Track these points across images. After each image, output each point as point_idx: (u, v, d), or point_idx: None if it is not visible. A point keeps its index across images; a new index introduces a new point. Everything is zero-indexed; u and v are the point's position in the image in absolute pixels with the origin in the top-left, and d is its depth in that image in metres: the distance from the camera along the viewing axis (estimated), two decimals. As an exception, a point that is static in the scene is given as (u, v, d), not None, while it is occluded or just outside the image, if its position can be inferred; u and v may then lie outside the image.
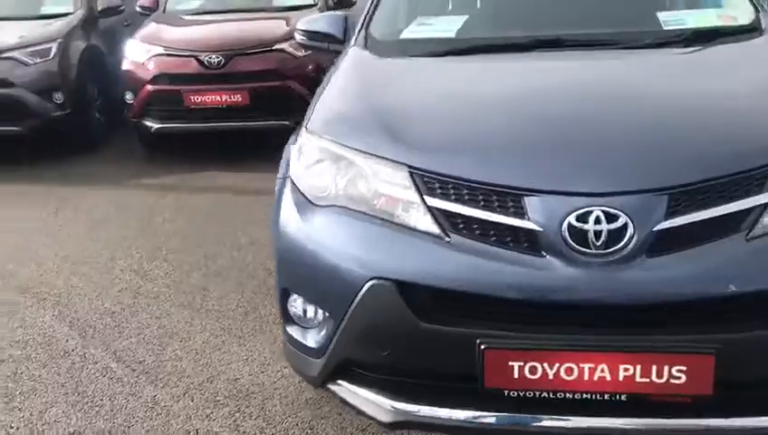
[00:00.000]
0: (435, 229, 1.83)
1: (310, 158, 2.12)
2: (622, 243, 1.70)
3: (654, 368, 1.70)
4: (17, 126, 5.66)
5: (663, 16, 2.74)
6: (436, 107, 2.24)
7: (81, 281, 3.67)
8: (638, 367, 1.71)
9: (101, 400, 2.65)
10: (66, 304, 3.42)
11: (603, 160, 1.84)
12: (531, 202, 1.76)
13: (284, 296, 2.12)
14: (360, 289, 1.82)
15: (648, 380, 1.71)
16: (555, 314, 1.75)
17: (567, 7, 2.92)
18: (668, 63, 2.45)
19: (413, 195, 1.85)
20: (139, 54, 5.77)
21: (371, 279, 1.81)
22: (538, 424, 1.83)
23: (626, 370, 1.72)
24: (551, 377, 1.76)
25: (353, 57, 2.71)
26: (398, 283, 1.79)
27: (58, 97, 5.80)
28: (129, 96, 5.80)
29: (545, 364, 1.76)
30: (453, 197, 1.83)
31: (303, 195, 2.06)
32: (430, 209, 1.84)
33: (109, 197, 4.99)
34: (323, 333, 2.00)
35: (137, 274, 3.70)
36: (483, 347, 1.77)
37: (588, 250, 1.71)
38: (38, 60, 5.75)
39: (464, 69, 2.56)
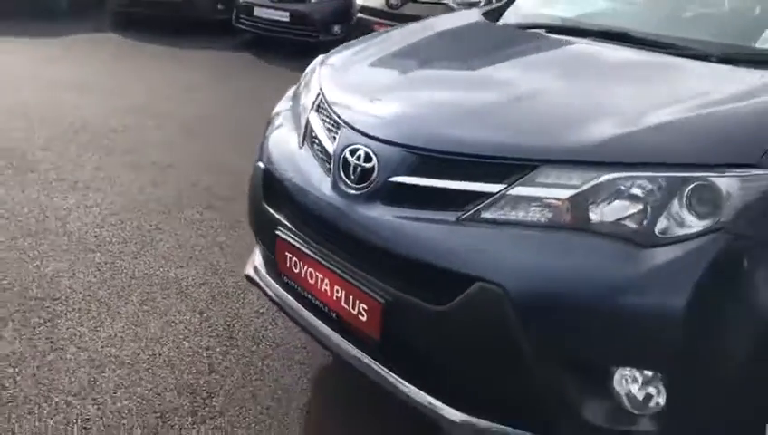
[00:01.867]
0: (299, 141, 2.23)
1: None
2: (366, 182, 1.89)
3: (351, 298, 1.90)
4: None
5: None
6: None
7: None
8: (344, 292, 1.93)
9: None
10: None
11: (410, 117, 1.98)
12: (341, 132, 2.03)
13: None
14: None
15: (347, 306, 1.92)
16: (315, 223, 2.03)
17: (681, 12, 2.69)
18: (646, 70, 2.21)
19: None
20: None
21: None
22: (292, 306, 2.14)
23: (337, 291, 1.95)
24: (303, 276, 2.06)
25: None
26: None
27: None
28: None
29: (301, 264, 2.06)
30: (321, 118, 2.18)
31: None
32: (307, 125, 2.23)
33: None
34: None
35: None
36: (276, 234, 2.15)
37: (347, 181, 1.94)
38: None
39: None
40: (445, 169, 1.80)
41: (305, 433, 2.27)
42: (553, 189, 1.67)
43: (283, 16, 8.58)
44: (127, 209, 3.75)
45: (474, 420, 1.74)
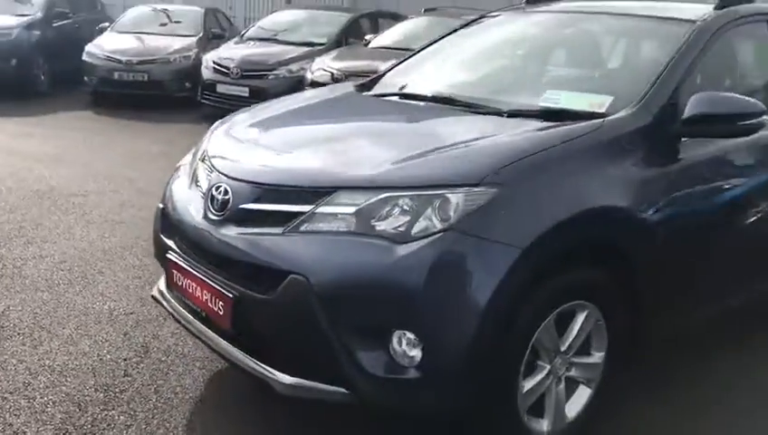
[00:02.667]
0: (189, 184, 2.89)
1: None
2: (224, 210, 2.53)
3: (213, 298, 2.52)
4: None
5: (548, 94, 3.03)
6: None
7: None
8: (209, 295, 2.55)
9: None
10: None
11: (253, 161, 2.67)
12: (212, 175, 2.69)
13: None
14: None
15: (211, 305, 2.53)
16: (191, 244, 2.66)
17: (498, 78, 3.43)
18: (441, 122, 2.93)
19: None
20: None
21: None
22: (181, 315, 2.74)
23: (205, 295, 2.57)
24: (185, 287, 2.68)
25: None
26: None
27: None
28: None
29: (183, 277, 2.69)
30: (204, 166, 2.84)
31: None
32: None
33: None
34: None
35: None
36: (167, 257, 2.78)
37: (213, 210, 2.58)
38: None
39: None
40: (275, 197, 2.46)
41: (193, 414, 2.83)
42: (346, 207, 2.32)
43: (243, 92, 9.32)
44: (76, 258, 4.37)
45: (297, 380, 2.34)
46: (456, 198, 2.23)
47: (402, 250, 2.21)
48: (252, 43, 10.50)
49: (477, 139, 2.62)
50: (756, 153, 3.07)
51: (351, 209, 2.31)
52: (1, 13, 10.88)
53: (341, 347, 2.24)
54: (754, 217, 3.09)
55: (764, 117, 2.74)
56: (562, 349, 2.55)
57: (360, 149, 2.62)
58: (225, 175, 2.62)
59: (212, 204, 2.60)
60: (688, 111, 2.70)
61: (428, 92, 3.32)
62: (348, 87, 3.66)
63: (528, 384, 2.46)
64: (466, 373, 2.25)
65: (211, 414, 2.90)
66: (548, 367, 2.52)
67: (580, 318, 2.55)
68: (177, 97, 10.22)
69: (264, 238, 2.40)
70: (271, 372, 2.38)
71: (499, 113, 2.91)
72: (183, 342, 3.38)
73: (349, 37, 10.57)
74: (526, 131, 2.62)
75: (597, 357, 2.69)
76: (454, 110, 3.06)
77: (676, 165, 2.78)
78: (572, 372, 2.63)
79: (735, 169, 3.02)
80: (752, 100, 2.73)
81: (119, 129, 8.71)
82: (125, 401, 2.88)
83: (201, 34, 11.26)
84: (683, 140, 2.79)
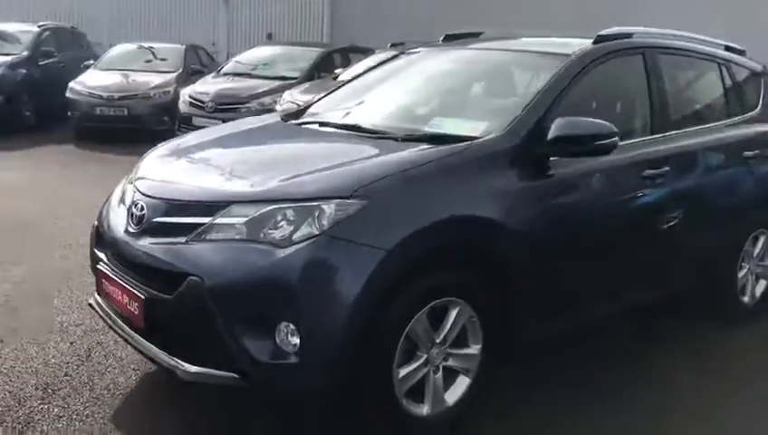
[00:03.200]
0: (118, 203, 3.29)
1: None
2: (141, 224, 2.92)
3: (130, 301, 2.89)
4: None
5: (434, 121, 3.44)
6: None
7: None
8: (127, 298, 2.92)
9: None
10: None
11: (164, 181, 3.10)
12: (135, 194, 3.08)
13: None
14: None
15: (130, 308, 2.91)
16: (115, 255, 3.04)
17: (401, 107, 3.84)
18: (337, 146, 3.37)
19: None
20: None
21: None
22: (113, 320, 3.10)
23: (125, 298, 2.94)
24: (111, 294, 3.06)
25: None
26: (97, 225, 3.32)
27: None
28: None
29: (109, 285, 3.06)
30: (131, 187, 3.24)
31: None
32: None
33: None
34: None
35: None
36: (98, 268, 3.16)
37: (132, 225, 2.97)
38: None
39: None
40: (181, 211, 2.85)
41: (121, 408, 3.19)
42: (239, 218, 2.71)
43: (218, 124, 9.85)
44: (36, 278, 4.75)
45: (199, 369, 2.70)
46: (329, 208, 2.62)
47: (282, 253, 2.59)
48: (228, 77, 11.00)
49: (364, 159, 3.02)
50: (619, 170, 3.47)
51: (243, 220, 2.69)
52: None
53: (232, 338, 2.61)
54: (619, 229, 3.48)
55: (616, 138, 3.13)
56: (438, 340, 2.91)
57: (258, 169, 3.02)
58: (142, 193, 3.02)
59: (131, 219, 2.99)
60: (551, 133, 3.10)
61: (341, 121, 3.73)
62: (275, 116, 4.08)
63: (404, 371, 2.82)
64: (338, 359, 2.62)
65: (137, 408, 3.25)
66: (425, 356, 2.89)
67: (453, 313, 2.92)
68: (156, 130, 10.62)
69: (171, 247, 2.79)
70: (178, 363, 2.74)
71: (395, 138, 3.31)
72: (123, 347, 3.73)
73: (321, 71, 11.07)
74: (404, 153, 3.02)
75: (474, 349, 3.05)
76: (357, 136, 3.46)
77: (544, 180, 3.17)
78: (450, 362, 2.99)
79: (601, 184, 3.40)
80: (605, 123, 3.13)
81: (95, 161, 9.16)
82: (61, 396, 3.24)
83: (181, 70, 11.80)
84: (552, 159, 3.19)
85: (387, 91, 4.08)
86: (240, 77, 10.91)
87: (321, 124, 3.76)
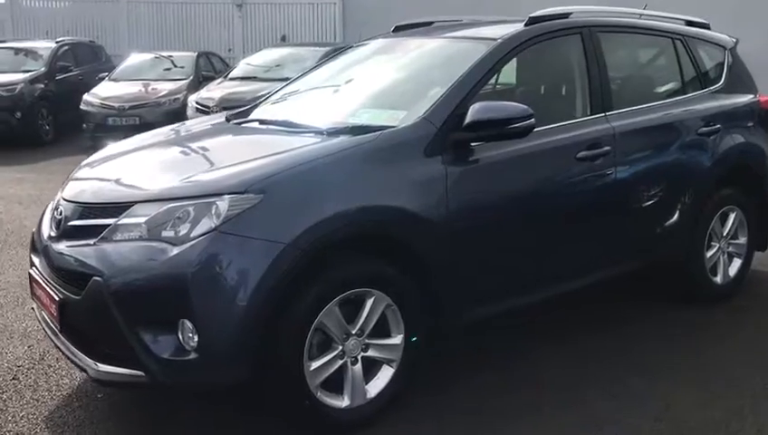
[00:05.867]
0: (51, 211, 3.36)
1: None
2: (60, 228, 2.98)
3: (50, 302, 2.96)
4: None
5: (359, 112, 3.44)
6: None
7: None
8: (48, 300, 2.99)
9: None
10: None
11: (82, 186, 3.18)
12: (59, 200, 3.15)
13: None
14: None
15: (50, 309, 2.98)
16: (41, 259, 3.12)
17: (335, 101, 3.86)
18: (261, 141, 3.40)
19: None
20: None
21: None
22: (45, 321, 3.17)
23: (47, 300, 3.01)
24: (38, 296, 3.13)
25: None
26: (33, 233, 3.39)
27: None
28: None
29: (37, 288, 3.14)
30: (60, 195, 3.31)
31: None
32: None
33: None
34: None
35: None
36: (30, 271, 3.24)
37: (54, 229, 3.04)
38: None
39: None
40: (91, 213, 2.90)
41: (57, 408, 3.26)
42: (140, 218, 2.75)
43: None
44: (16, 285, 4.89)
45: (107, 367, 2.75)
46: (223, 204, 2.64)
47: (177, 250, 2.62)
48: (234, 81, 11.11)
49: (275, 154, 3.02)
50: (548, 152, 3.39)
51: (143, 219, 2.73)
52: (10, 70, 11.83)
53: (134, 336, 2.65)
54: (551, 212, 3.41)
55: (531, 120, 3.07)
56: (354, 331, 2.90)
57: (172, 170, 3.06)
58: (63, 198, 3.09)
59: (53, 223, 3.06)
60: (467, 119, 3.06)
61: (278, 117, 3.75)
62: (220, 117, 4.12)
63: (316, 364, 2.82)
64: (237, 353, 2.63)
65: (72, 410, 3.32)
66: (340, 347, 2.88)
67: (368, 304, 2.91)
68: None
69: (81, 249, 2.84)
70: (91, 362, 2.80)
71: (321, 132, 3.31)
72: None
73: (326, 70, 11.10)
74: (311, 146, 3.03)
75: (397, 339, 3.03)
76: (288, 131, 3.47)
77: (466, 166, 3.13)
78: (370, 353, 2.98)
79: (528, 167, 3.34)
80: (520, 105, 3.08)
81: (104, 170, 9.35)
82: (2, 399, 3.33)
83: (192, 77, 11.98)
84: (472, 145, 3.15)
85: (327, 85, 4.08)
86: (247, 81, 11.00)
87: (262, 122, 3.78)
